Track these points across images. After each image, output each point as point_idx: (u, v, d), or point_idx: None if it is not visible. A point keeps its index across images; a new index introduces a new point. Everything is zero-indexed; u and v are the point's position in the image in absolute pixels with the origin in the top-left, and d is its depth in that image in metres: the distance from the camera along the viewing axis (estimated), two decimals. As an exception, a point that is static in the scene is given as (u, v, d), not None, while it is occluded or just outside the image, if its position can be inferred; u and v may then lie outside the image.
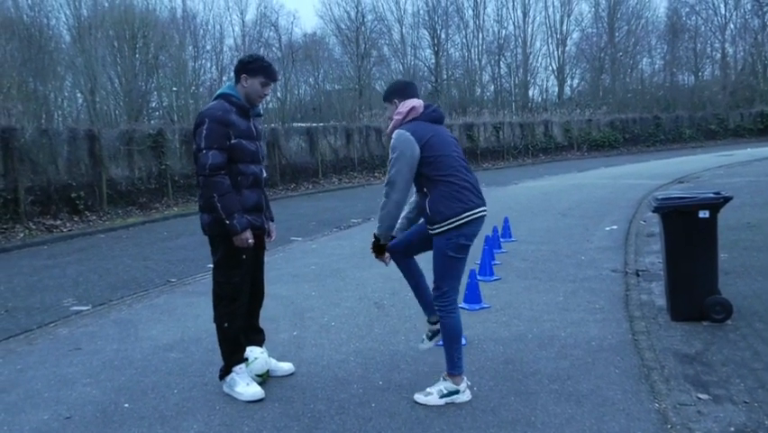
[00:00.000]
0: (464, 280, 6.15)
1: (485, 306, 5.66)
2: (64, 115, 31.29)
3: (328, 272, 7.43)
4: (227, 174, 3.71)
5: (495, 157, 29.18)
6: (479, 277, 6.35)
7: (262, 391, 3.78)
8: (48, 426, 3.54)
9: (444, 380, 3.72)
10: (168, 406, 3.73)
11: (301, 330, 5.17)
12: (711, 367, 4.10)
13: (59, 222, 12.69)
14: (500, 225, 8.92)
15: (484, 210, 3.66)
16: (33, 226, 12.16)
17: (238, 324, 3.89)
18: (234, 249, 3.78)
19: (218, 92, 3.88)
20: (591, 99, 42.33)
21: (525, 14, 45.66)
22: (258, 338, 4.18)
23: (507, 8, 46.42)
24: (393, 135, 3.59)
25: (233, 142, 3.73)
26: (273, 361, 4.18)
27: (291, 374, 4.15)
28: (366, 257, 8.48)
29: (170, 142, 16.68)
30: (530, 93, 46.42)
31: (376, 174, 23.57)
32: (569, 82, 47.74)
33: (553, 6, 46.45)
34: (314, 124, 23.60)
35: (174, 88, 33.99)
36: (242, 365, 3.88)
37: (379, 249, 3.82)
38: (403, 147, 3.52)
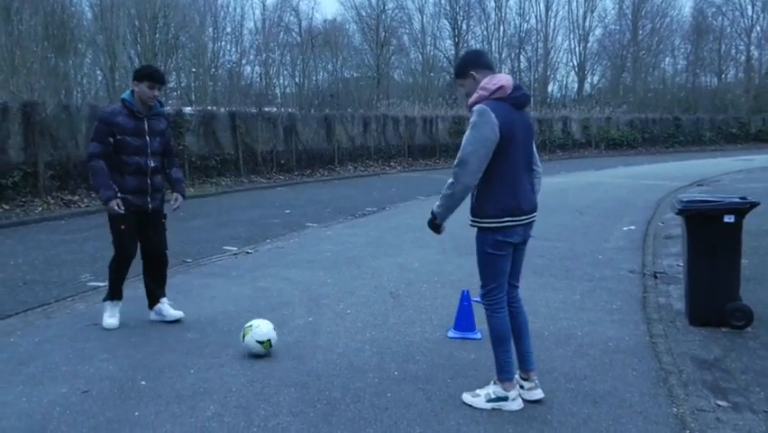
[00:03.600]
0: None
1: (501, 301, 5.63)
2: (83, 91, 31.44)
3: (343, 260, 7.43)
4: (101, 160, 4.70)
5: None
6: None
7: (117, 324, 4.87)
8: (66, 399, 3.57)
9: (494, 384, 3.54)
10: (184, 385, 3.75)
11: (316, 316, 5.17)
12: (730, 374, 4.05)
13: (76, 197, 12.78)
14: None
15: (526, 219, 3.42)
16: (52, 201, 12.25)
17: (121, 274, 4.97)
18: (113, 219, 4.83)
19: (121, 96, 4.88)
20: (611, 97, 41.92)
21: (547, 8, 45.26)
22: (155, 294, 5.11)
23: (530, 1, 46.06)
24: (474, 109, 3.27)
25: (118, 138, 4.71)
26: (166, 307, 5.08)
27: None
28: (381, 246, 8.51)
29: (189, 123, 16.72)
30: (549, 88, 46.07)
31: (392, 163, 23.54)
32: (589, 79, 47.30)
33: (577, 1, 45.83)
34: (330, 112, 23.54)
35: (193, 69, 34.05)
36: (116, 301, 4.96)
37: (435, 227, 3.54)
38: (484, 127, 3.22)
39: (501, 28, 45.02)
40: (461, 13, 44.53)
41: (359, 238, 8.96)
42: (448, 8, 44.34)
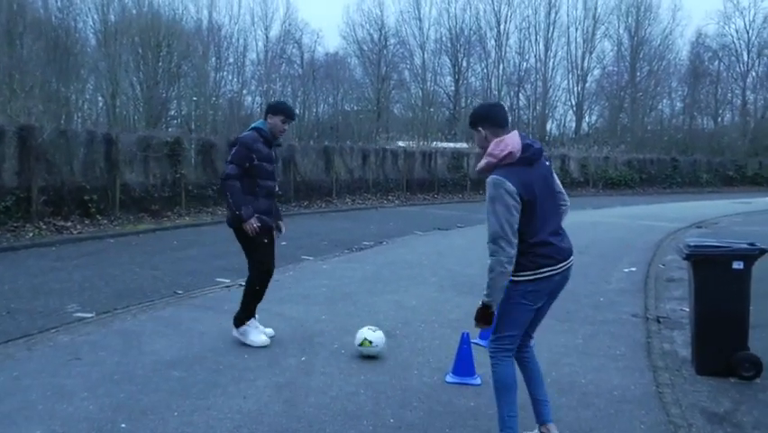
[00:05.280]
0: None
1: (501, 343, 5.43)
2: (84, 117, 31.47)
3: (339, 296, 7.24)
4: (237, 181, 5.01)
5: (510, 188, 28.91)
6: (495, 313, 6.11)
7: (268, 340, 5.20)
8: (39, 442, 3.36)
9: None
10: (166, 430, 3.54)
11: (310, 356, 4.97)
12: (742, 429, 3.87)
13: (69, 224, 12.58)
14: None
15: (561, 267, 3.35)
16: (44, 226, 12.05)
17: (261, 293, 5.30)
18: (252, 237, 5.09)
19: (252, 126, 5.26)
20: (609, 137, 42.16)
21: (546, 48, 45.76)
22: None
23: (530, 41, 46.32)
24: (488, 182, 3.23)
25: (255, 163, 5.05)
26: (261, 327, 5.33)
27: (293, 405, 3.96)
28: (378, 282, 8.33)
29: (187, 150, 16.62)
30: (548, 126, 46.33)
31: (389, 197, 23.43)
32: (587, 118, 47.61)
33: (576, 42, 46.36)
34: (329, 144, 23.51)
35: (194, 98, 34.17)
36: (253, 320, 5.23)
37: (486, 318, 3.33)
38: (503, 198, 3.17)
39: (501, 66, 45.48)
40: (462, 51, 45.04)
41: (355, 273, 8.78)
42: (449, 45, 44.86)
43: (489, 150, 3.27)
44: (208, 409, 3.85)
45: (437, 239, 13.12)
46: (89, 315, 6.22)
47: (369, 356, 4.91)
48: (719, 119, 48.45)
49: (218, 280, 8.15)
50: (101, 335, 5.45)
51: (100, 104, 33.24)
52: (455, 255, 10.62)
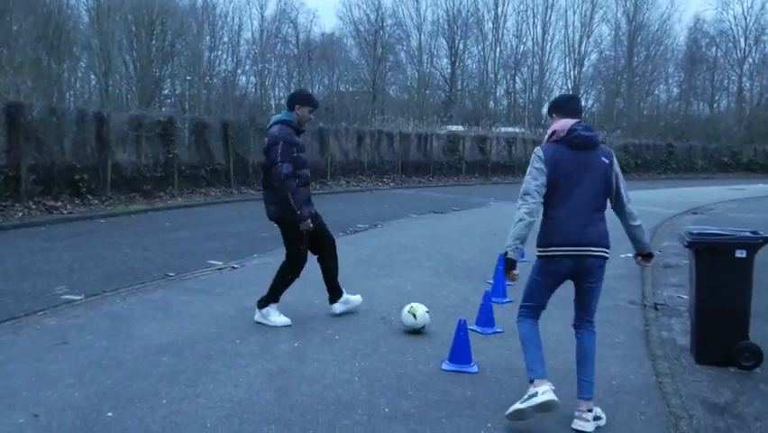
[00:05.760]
0: (478, 301, 5.92)
1: (498, 330, 5.35)
2: (76, 95, 31.12)
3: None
4: (294, 180, 5.14)
5: (506, 172, 28.83)
6: (492, 299, 6.02)
7: (289, 320, 5.28)
8: (21, 431, 3.24)
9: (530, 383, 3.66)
10: (154, 418, 3.43)
11: (303, 342, 4.86)
12: (743, 421, 3.80)
13: (59, 203, 12.40)
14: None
15: (571, 250, 3.60)
16: (33, 206, 11.87)
17: (294, 278, 5.43)
18: (296, 228, 5.23)
19: (278, 118, 5.37)
20: (605, 121, 42.02)
21: (544, 32, 45.57)
22: (337, 289, 5.67)
23: (528, 24, 46.13)
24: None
25: (295, 155, 5.19)
26: (349, 297, 5.75)
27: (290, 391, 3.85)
28: (372, 266, 8.22)
29: (180, 130, 16.41)
30: (543, 110, 46.12)
31: (385, 180, 23.29)
32: (583, 103, 47.46)
33: (573, 26, 46.21)
34: (324, 125, 23.27)
35: (188, 77, 33.81)
36: (276, 304, 5.34)
37: (509, 269, 3.67)
38: (534, 162, 3.67)
39: (498, 49, 45.32)
40: (459, 33, 44.78)
41: (350, 256, 8.65)
42: (446, 27, 44.57)
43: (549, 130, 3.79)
44: (198, 396, 3.74)
45: (432, 222, 13.02)
46: (78, 297, 6.10)
47: (413, 330, 5.15)
48: (715, 105, 48.49)
49: (210, 262, 8.03)
50: (89, 318, 5.33)
51: (93, 82, 32.88)
52: (451, 239, 10.52)
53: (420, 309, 5.17)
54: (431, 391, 3.98)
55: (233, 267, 7.79)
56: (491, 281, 6.83)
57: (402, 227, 12.11)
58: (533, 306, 3.80)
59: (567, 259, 3.60)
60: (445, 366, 4.41)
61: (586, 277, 3.70)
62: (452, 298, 6.47)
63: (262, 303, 5.32)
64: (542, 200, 3.61)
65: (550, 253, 3.62)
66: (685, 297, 6.95)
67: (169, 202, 14.76)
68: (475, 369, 4.38)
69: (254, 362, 4.37)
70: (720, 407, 4.01)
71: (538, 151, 3.70)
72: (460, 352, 4.42)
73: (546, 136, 3.78)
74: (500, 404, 3.84)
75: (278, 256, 8.49)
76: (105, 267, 7.61)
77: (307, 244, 5.40)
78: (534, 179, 3.62)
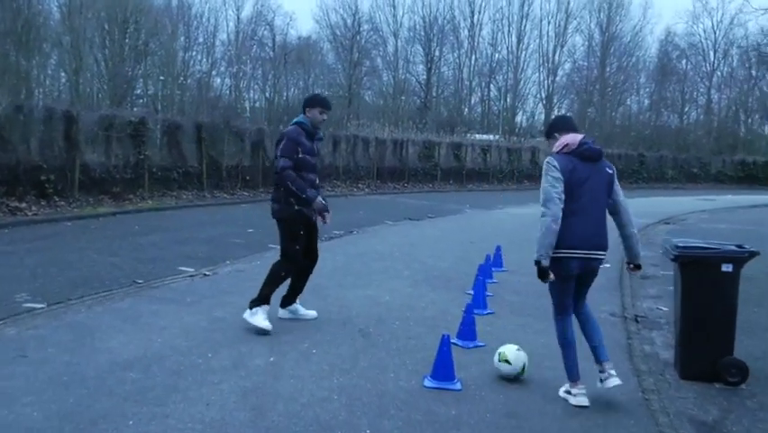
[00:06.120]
0: (458, 312, 5.77)
1: (480, 344, 5.20)
2: (45, 92, 30.39)
3: (308, 289, 6.80)
4: (293, 171, 5.21)
5: (481, 179, 28.86)
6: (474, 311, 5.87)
7: (270, 327, 5.17)
8: (-27, 457, 2.99)
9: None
10: (120, 441, 3.20)
11: (278, 356, 4.65)
12: (733, 441, 3.70)
13: (24, 205, 11.96)
14: (491, 254, 8.50)
15: (579, 253, 3.97)
16: (-4, 207, 11.44)
17: (287, 276, 5.49)
18: (292, 227, 5.34)
19: (294, 120, 5.49)
20: (578, 131, 42.35)
21: (519, 41, 45.82)
22: (295, 296, 5.72)
23: (503, 33, 46.31)
24: (545, 160, 4.06)
25: (299, 156, 5.26)
26: (300, 307, 5.72)
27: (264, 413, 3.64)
28: (349, 275, 8.02)
29: (152, 131, 16.03)
30: (517, 118, 46.49)
31: (360, 185, 23.11)
32: (556, 111, 47.90)
33: (548, 36, 46.53)
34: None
35: (161, 77, 33.25)
36: (266, 306, 5.29)
37: (541, 274, 3.97)
38: (551, 171, 3.95)
39: (473, 56, 45.44)
40: (435, 40, 44.76)
41: (325, 264, 8.39)
42: (422, 34, 44.56)
43: (555, 144, 4.14)
44: (167, 417, 3.50)
45: (408, 229, 12.87)
46: (40, 305, 5.79)
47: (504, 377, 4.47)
48: (685, 117, 49.26)
49: (181, 268, 7.76)
50: (51, 328, 5.05)
51: (63, 80, 32.15)
52: (428, 247, 10.38)
53: (511, 351, 4.51)
54: (414, 411, 3.81)
55: (205, 274, 7.53)
56: (471, 292, 6.69)
57: (378, 234, 11.94)
58: (562, 303, 4.18)
59: (573, 261, 3.98)
60: (428, 383, 4.24)
61: (589, 277, 4.21)
62: (432, 309, 6.32)
63: (254, 303, 5.31)
64: (562, 206, 3.88)
65: (557, 255, 3.92)
66: (664, 309, 6.91)
67: (139, 205, 14.38)
68: (458, 386, 4.22)
69: (227, 378, 4.14)
70: (709, 426, 3.92)
71: (552, 161, 3.99)
72: (443, 368, 4.25)
73: (558, 148, 4.07)
74: (486, 424, 3.69)
75: (252, 263, 8.32)
76: (70, 273, 7.29)
77: (303, 246, 5.44)
78: (552, 186, 3.91)
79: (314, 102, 5.51)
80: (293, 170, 5.21)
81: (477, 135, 33.70)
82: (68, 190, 13.29)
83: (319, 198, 5.31)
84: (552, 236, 3.86)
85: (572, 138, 4.07)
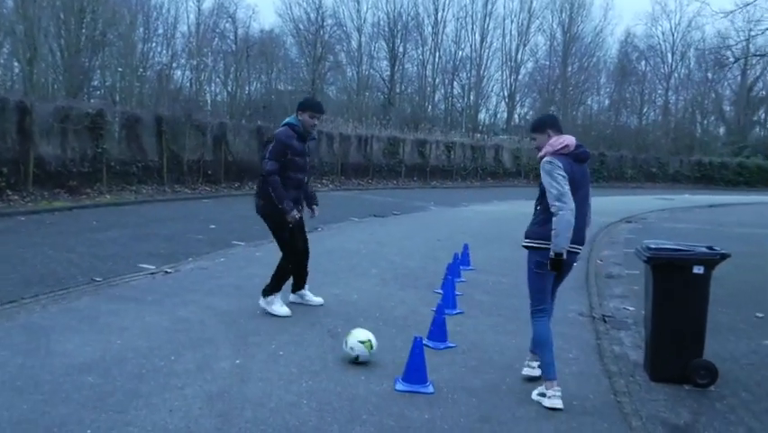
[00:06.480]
0: (427, 312, 5.69)
1: (450, 345, 5.12)
2: (-3, 82, 29.33)
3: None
4: (278, 176, 5.47)
5: (444, 176, 28.93)
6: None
7: (290, 312, 5.60)
8: None
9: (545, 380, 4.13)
10: (77, 452, 3.01)
11: (245, 358, 4.49)
12: (705, 443, 3.69)
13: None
14: (459, 252, 8.46)
15: (570, 248, 4.13)
16: (-56, 201, 10.96)
17: (294, 268, 5.85)
18: (281, 225, 5.63)
19: (286, 120, 5.68)
20: (540, 129, 42.80)
21: (482, 39, 45.96)
22: (301, 282, 6.06)
23: (466, 30, 46.38)
24: (545, 160, 4.19)
25: (288, 158, 5.50)
26: (309, 293, 6.07)
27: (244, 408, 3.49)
28: (316, 273, 7.78)
29: (110, 124, 15.58)
30: (480, 116, 46.74)
31: (324, 181, 22.90)
32: (518, 110, 48.38)
33: (511, 35, 46.81)
34: (262, 123, 22.67)
35: (120, 69, 32.40)
36: (279, 294, 5.68)
37: (556, 265, 4.10)
38: (557, 169, 4.12)
39: (437, 54, 45.43)
40: (399, 36, 44.61)
41: (291, 262, 8.28)
42: (386, 30, 44.34)
43: (551, 141, 4.24)
44: (128, 425, 3.32)
45: (374, 227, 12.76)
46: (-5, 306, 5.51)
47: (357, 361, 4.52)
48: (644, 117, 50.24)
49: (141, 266, 7.51)
50: (3, 330, 4.80)
51: (16, 69, 31.06)
52: (395, 245, 10.29)
53: (365, 334, 4.63)
54: (386, 416, 3.70)
55: (167, 272, 7.30)
56: (440, 291, 6.62)
57: (344, 232, 11.80)
58: (542, 298, 4.29)
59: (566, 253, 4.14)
60: (399, 387, 4.14)
61: (568, 269, 4.41)
62: (401, 308, 6.22)
63: (266, 292, 5.65)
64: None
65: (544, 246, 4.10)
66: (631, 308, 6.95)
67: (97, 200, 13.96)
68: (431, 389, 4.13)
69: (192, 382, 3.97)
70: (681, 429, 3.91)
71: (554, 161, 4.17)
72: (415, 371, 4.16)
73: (557, 148, 4.21)
74: (460, 429, 3.61)
75: (215, 261, 8.11)
76: (24, 270, 6.98)
77: (295, 237, 5.73)
78: (562, 184, 4.11)
79: (305, 106, 5.68)
80: (278, 175, 5.44)
81: (440, 132, 33.68)
82: (22, 184, 12.82)
83: (294, 213, 5.53)
84: (571, 229, 4.06)
85: (570, 140, 4.27)
